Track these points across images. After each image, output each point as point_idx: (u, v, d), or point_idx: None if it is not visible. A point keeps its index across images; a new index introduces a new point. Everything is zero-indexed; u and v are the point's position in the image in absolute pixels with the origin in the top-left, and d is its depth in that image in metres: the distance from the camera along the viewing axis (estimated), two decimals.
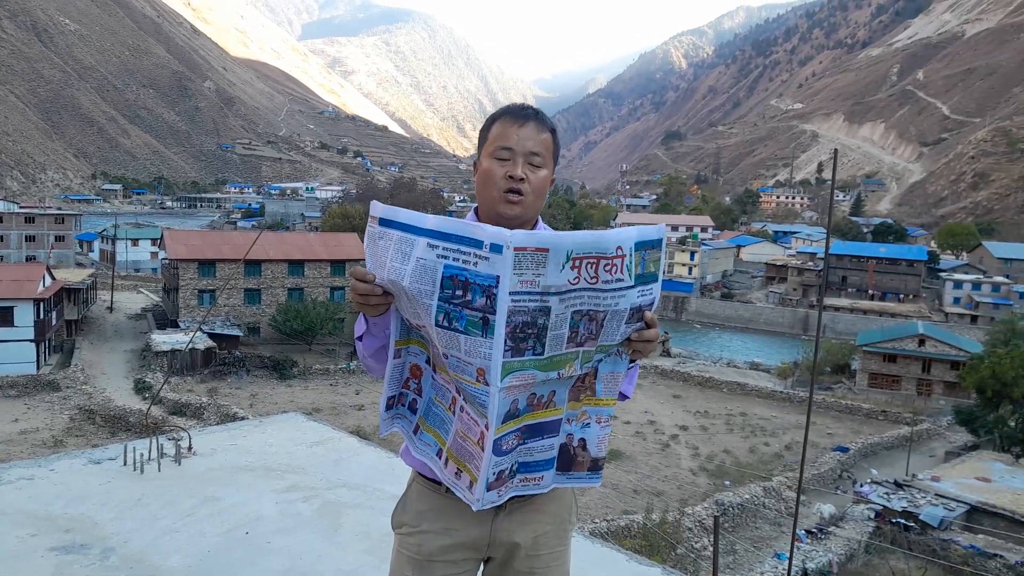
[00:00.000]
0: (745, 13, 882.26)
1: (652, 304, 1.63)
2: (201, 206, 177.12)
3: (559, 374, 1.55)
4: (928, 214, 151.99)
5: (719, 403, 42.24)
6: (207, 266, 45.87)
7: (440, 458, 1.68)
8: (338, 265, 49.97)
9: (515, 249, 1.37)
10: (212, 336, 40.94)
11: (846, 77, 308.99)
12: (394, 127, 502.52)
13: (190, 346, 37.69)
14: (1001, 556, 20.54)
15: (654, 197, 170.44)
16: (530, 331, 1.44)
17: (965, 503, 23.88)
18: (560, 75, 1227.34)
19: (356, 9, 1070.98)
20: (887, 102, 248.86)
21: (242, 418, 25.85)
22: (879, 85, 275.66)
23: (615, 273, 1.50)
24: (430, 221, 1.48)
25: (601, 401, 1.70)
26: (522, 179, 1.78)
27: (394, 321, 1.64)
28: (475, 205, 1.91)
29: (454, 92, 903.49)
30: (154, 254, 73.40)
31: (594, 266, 1.47)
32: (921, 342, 48.96)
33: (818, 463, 30.20)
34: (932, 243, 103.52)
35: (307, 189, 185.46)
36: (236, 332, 43.45)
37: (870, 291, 78.55)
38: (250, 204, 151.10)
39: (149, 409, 23.34)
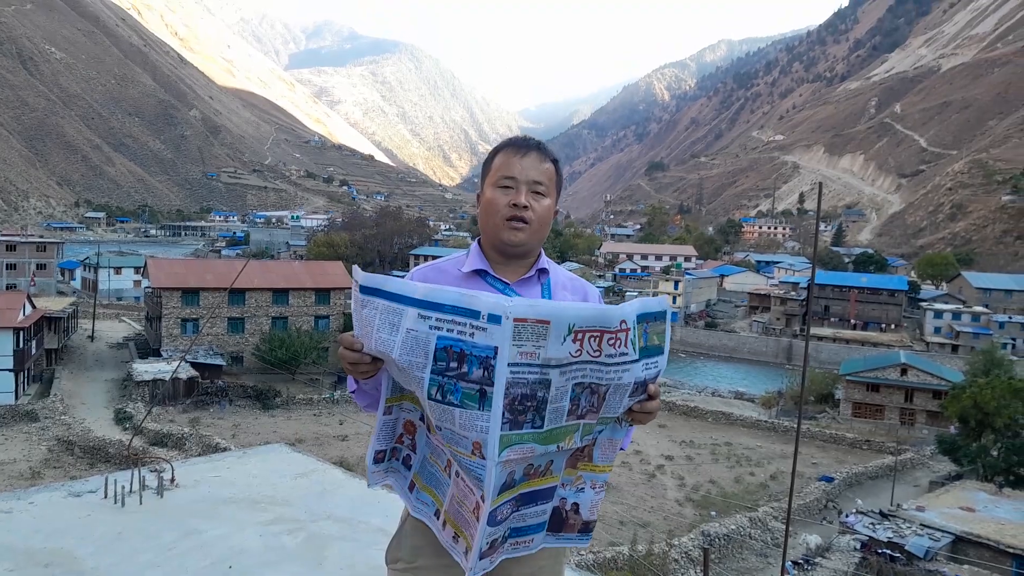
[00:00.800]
0: (726, 46, 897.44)
1: (656, 376, 1.60)
2: (185, 234, 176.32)
3: (559, 447, 1.50)
4: (908, 244, 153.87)
5: (704, 433, 42.20)
6: (191, 295, 45.56)
7: (438, 519, 1.64)
8: (323, 294, 49.79)
9: (515, 320, 1.32)
10: (195, 365, 40.53)
11: (826, 109, 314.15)
12: (380, 156, 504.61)
13: (173, 376, 37.27)
14: None
15: (638, 227, 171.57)
16: (529, 403, 1.39)
17: (950, 533, 23.89)
18: (545, 106, 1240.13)
19: (343, 40, 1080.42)
20: (866, 134, 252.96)
21: (223, 448, 25.55)
22: (858, 117, 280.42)
23: (619, 347, 1.46)
24: (420, 290, 1.42)
25: (597, 468, 1.67)
26: (526, 207, 1.78)
27: (385, 380, 1.60)
28: (478, 237, 1.92)
29: (440, 122, 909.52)
30: (137, 282, 72.85)
31: (597, 340, 1.42)
32: (903, 371, 49.30)
33: (803, 493, 30.17)
34: (912, 273, 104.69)
35: (292, 218, 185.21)
36: (219, 361, 43.06)
37: (852, 320, 79.18)
38: (235, 232, 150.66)
39: (132, 440, 23.00)
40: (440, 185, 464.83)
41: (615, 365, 1.46)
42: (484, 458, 1.39)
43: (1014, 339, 72.27)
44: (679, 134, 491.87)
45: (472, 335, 1.35)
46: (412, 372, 1.41)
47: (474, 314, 1.35)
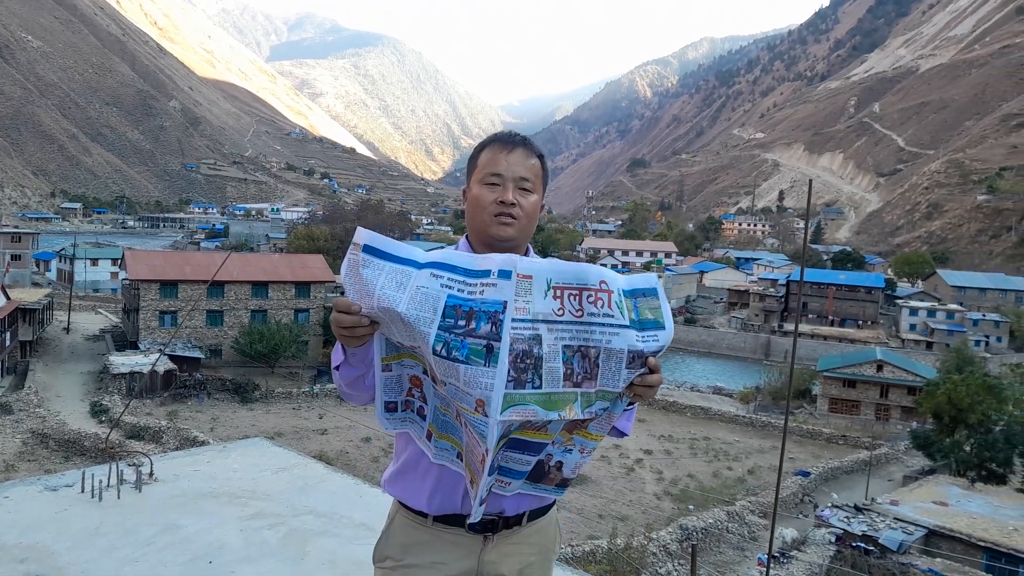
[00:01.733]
0: (709, 44, 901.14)
1: (659, 351, 1.60)
2: (164, 226, 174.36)
3: (560, 415, 1.52)
4: (885, 242, 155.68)
5: (683, 427, 42.50)
6: (169, 287, 45.14)
7: (462, 461, 1.66)
8: (303, 287, 49.50)
9: (519, 276, 1.40)
10: (173, 358, 40.18)
11: (806, 108, 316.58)
12: (362, 149, 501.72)
13: (152, 368, 36.92)
14: None
15: (619, 223, 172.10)
16: (528, 361, 1.43)
17: (923, 527, 24.25)
18: (528, 101, 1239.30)
19: (325, 32, 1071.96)
20: (845, 133, 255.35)
21: (203, 442, 25.37)
22: (837, 117, 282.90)
23: (601, 307, 1.49)
24: (433, 255, 1.47)
25: (591, 435, 1.68)
26: (513, 203, 1.79)
27: (377, 343, 1.59)
28: (466, 233, 1.91)
29: (423, 116, 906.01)
30: (114, 274, 72.00)
31: (576, 298, 1.47)
32: (879, 368, 49.92)
33: (781, 487, 30.47)
34: (889, 271, 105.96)
35: (272, 210, 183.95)
36: (197, 354, 42.71)
37: (830, 317, 80.00)
38: (214, 225, 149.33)
39: (109, 434, 22.76)
40: (422, 179, 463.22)
41: (600, 326, 1.49)
42: (487, 416, 1.43)
43: (987, 336, 73.38)
44: (661, 131, 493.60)
45: (482, 292, 1.40)
46: (418, 327, 1.43)
47: (485, 273, 1.41)
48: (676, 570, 20.81)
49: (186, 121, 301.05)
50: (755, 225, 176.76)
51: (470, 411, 1.47)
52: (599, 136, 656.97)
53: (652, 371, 1.62)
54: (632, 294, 1.56)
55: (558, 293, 1.45)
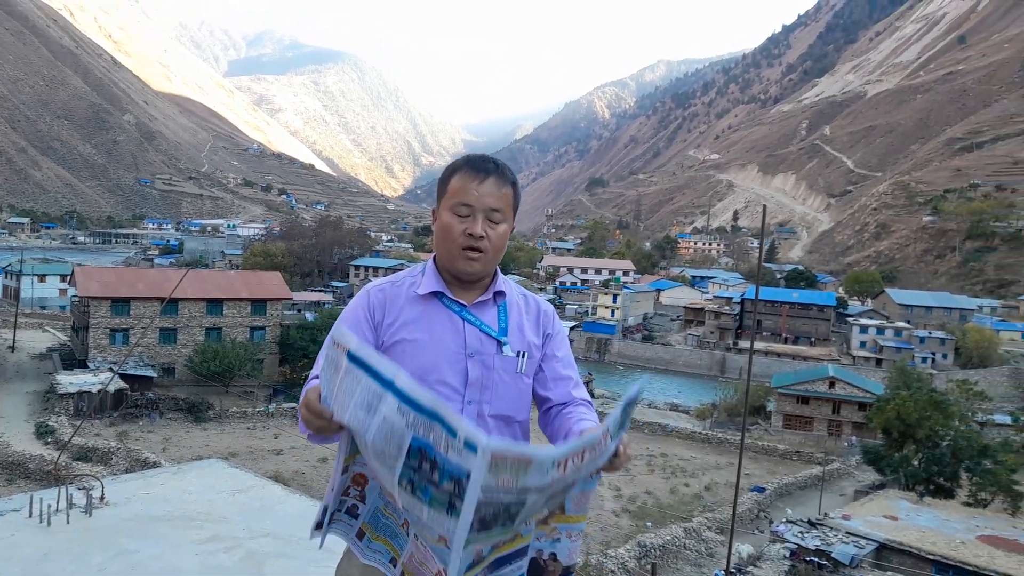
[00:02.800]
0: (665, 67, 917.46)
1: (623, 433, 1.51)
2: (116, 242, 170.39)
3: (525, 523, 1.44)
4: (836, 261, 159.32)
5: (641, 444, 42.77)
6: (121, 304, 44.10)
7: (395, 567, 1.57)
8: (259, 304, 48.79)
9: (493, 455, 1.22)
10: (124, 377, 39.19)
11: (760, 130, 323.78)
12: (321, 165, 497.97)
13: (100, 387, 35.94)
14: None
15: (578, 241, 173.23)
16: (501, 517, 1.31)
17: (874, 541, 24.75)
18: (488, 121, 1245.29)
19: (284, 48, 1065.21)
20: (797, 155, 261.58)
21: (154, 463, 24.76)
22: (790, 139, 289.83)
23: (600, 449, 1.41)
24: (402, 380, 1.32)
25: (571, 519, 1.62)
26: (481, 236, 1.77)
27: (343, 439, 1.54)
28: (433, 255, 1.91)
29: (383, 133, 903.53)
30: (63, 291, 70.11)
31: (580, 456, 1.35)
32: (831, 384, 50.95)
33: (737, 504, 30.85)
34: (840, 289, 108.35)
35: (229, 226, 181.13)
36: (150, 373, 41.75)
37: (783, 335, 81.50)
38: (168, 241, 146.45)
39: (59, 456, 22.08)
40: (382, 196, 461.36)
41: (593, 462, 1.42)
42: (449, 549, 1.32)
43: (933, 353, 75.44)
44: (619, 151, 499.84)
45: (447, 451, 1.25)
46: (384, 459, 1.35)
47: (451, 432, 1.25)
48: None
49: (141, 135, 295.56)
50: (710, 244, 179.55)
51: (432, 540, 1.38)
52: (558, 155, 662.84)
53: (619, 456, 1.54)
54: (626, 407, 1.46)
55: (562, 464, 1.30)
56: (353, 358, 1.38)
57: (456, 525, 1.27)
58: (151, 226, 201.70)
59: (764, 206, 10.53)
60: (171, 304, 45.18)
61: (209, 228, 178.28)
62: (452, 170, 1.87)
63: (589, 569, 19.96)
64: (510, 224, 1.88)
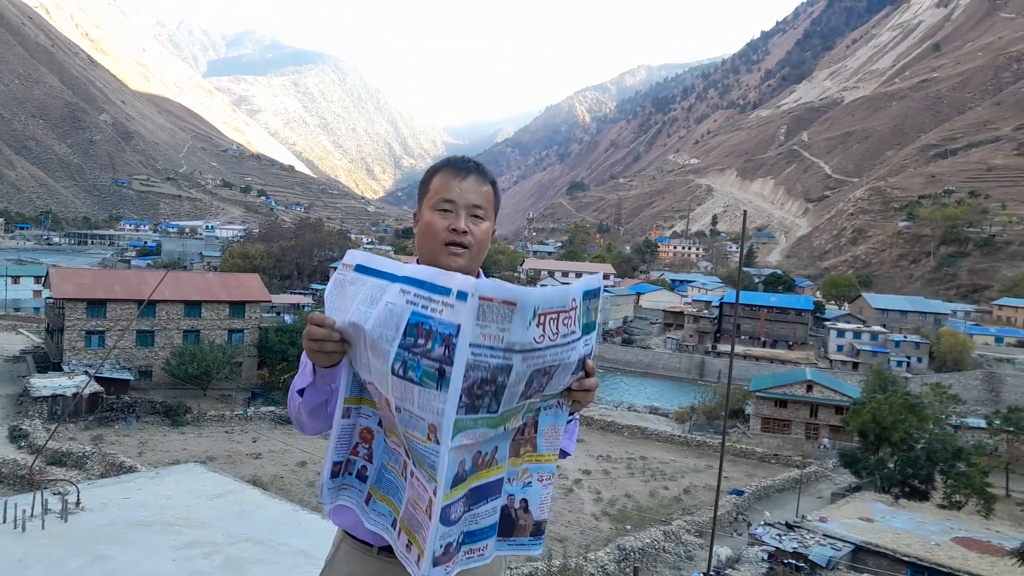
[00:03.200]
0: (646, 72, 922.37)
1: (591, 353, 1.59)
2: (92, 243, 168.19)
3: (504, 428, 1.50)
4: (813, 266, 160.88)
5: (621, 447, 42.93)
6: (97, 306, 43.56)
7: (395, 529, 1.60)
8: (238, 307, 48.40)
9: (480, 299, 1.31)
10: (100, 380, 38.72)
11: (739, 135, 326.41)
12: (301, 167, 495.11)
13: (76, 390, 35.46)
14: None
15: (559, 244, 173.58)
16: (488, 388, 1.38)
17: (851, 543, 25.02)
18: (470, 124, 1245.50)
19: (264, 49, 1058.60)
20: (776, 160, 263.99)
21: (131, 468, 24.48)
22: (768, 144, 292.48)
23: (570, 326, 1.46)
24: (405, 268, 1.46)
25: (542, 457, 1.65)
26: (465, 232, 1.78)
27: (345, 377, 1.58)
28: (416, 258, 1.91)
29: (363, 135, 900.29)
30: (37, 292, 69.11)
31: (555, 321, 1.42)
32: (809, 388, 51.44)
33: (718, 507, 31.02)
34: (817, 293, 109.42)
35: (207, 228, 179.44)
36: (126, 376, 41.27)
37: (762, 338, 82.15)
38: (146, 242, 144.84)
39: (35, 461, 21.77)
40: (362, 198, 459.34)
41: (566, 345, 1.46)
42: (439, 443, 1.38)
43: (909, 357, 76.38)
44: (599, 155, 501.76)
45: (441, 312, 1.35)
46: (380, 344, 1.42)
47: (446, 291, 1.36)
48: None
49: (117, 135, 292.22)
50: (689, 248, 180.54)
51: (422, 440, 1.42)
52: (540, 159, 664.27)
53: (588, 373, 1.60)
54: (586, 296, 1.52)
55: (542, 320, 1.39)
56: (361, 268, 1.51)
57: (446, 398, 1.34)
58: (128, 227, 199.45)
59: (744, 212, 10.61)
60: (148, 306, 44.71)
61: (187, 229, 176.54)
62: (433, 171, 1.89)
63: (569, 573, 19.99)
64: (492, 223, 1.89)
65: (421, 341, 1.36)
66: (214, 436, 36.83)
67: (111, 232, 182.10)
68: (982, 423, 46.13)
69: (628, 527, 27.61)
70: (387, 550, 1.72)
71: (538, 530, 1.69)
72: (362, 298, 1.47)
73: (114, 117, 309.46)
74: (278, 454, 33.60)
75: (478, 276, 1.88)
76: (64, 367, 41.26)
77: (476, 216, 1.82)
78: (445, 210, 1.80)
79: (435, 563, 1.46)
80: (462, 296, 1.33)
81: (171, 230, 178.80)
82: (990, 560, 23.91)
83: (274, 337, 47.47)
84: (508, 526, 1.64)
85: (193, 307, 46.72)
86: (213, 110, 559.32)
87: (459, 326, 1.32)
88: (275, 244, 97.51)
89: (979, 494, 31.94)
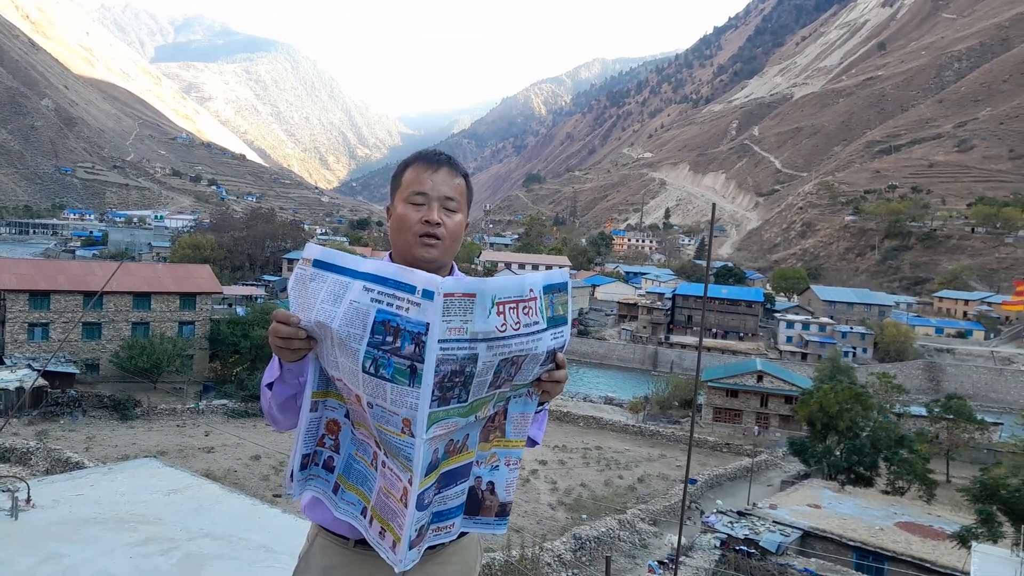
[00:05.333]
0: (601, 65, 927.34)
1: (563, 346, 1.63)
2: (35, 232, 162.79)
3: (476, 417, 1.55)
4: (764, 258, 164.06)
5: (576, 437, 43.29)
6: (40, 297, 42.25)
7: (365, 517, 1.63)
8: (188, 298, 47.42)
9: (444, 295, 1.35)
10: (44, 374, 37.57)
11: (691, 130, 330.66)
12: (252, 156, 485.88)
13: (19, 384, 34.34)
14: None
15: (516, 236, 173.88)
16: (457, 379, 1.42)
17: (799, 529, 25.68)
18: (425, 114, 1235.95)
19: (215, 35, 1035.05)
20: (727, 154, 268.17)
21: (77, 463, 23.86)
22: (720, 138, 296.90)
23: (532, 316, 1.50)
24: (367, 265, 1.46)
25: (510, 443, 1.70)
26: (438, 223, 1.78)
27: (312, 371, 1.60)
28: (389, 251, 1.92)
29: (317, 124, 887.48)
30: None
31: (515, 311, 1.46)
32: (759, 378, 52.52)
33: (669, 495, 31.56)
34: (767, 286, 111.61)
35: (156, 217, 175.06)
36: (72, 369, 40.12)
37: (714, 330, 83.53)
38: (91, 232, 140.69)
39: None
40: (316, 188, 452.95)
41: (530, 335, 1.50)
42: (413, 436, 1.42)
43: (854, 348, 78.53)
44: (555, 148, 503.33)
45: (407, 310, 1.37)
46: (349, 344, 1.43)
47: (411, 289, 1.38)
48: None
49: (60, 121, 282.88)
50: (643, 241, 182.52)
51: (396, 434, 1.45)
52: (496, 151, 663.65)
53: (559, 366, 1.65)
54: (548, 290, 1.56)
55: (501, 309, 1.43)
56: (319, 263, 1.51)
57: (419, 394, 1.38)
58: (73, 216, 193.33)
59: (713, 204, 10.80)
60: (94, 297, 43.55)
61: (135, 219, 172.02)
62: (405, 164, 1.89)
63: (526, 562, 20.13)
64: (465, 215, 1.89)
65: (390, 339, 1.39)
66: (165, 430, 36.08)
67: (54, 221, 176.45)
68: (923, 411, 47.67)
69: (584, 516, 27.89)
70: (363, 543, 1.74)
71: (503, 511, 1.74)
72: (324, 296, 1.47)
73: (56, 103, 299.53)
74: (231, 448, 33.07)
75: (451, 268, 1.89)
76: (6, 360, 39.96)
77: (449, 208, 1.82)
78: (418, 203, 1.80)
79: (410, 546, 1.52)
80: (428, 295, 1.36)
81: (118, 220, 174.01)
82: (931, 544, 24.79)
83: (226, 329, 46.63)
84: (474, 506, 1.69)
85: (142, 299, 45.64)
86: (161, 97, 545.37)
87: (428, 324, 1.35)
88: (226, 235, 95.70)
89: (921, 480, 33.05)
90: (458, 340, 1.38)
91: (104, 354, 43.87)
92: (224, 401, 41.70)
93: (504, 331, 1.44)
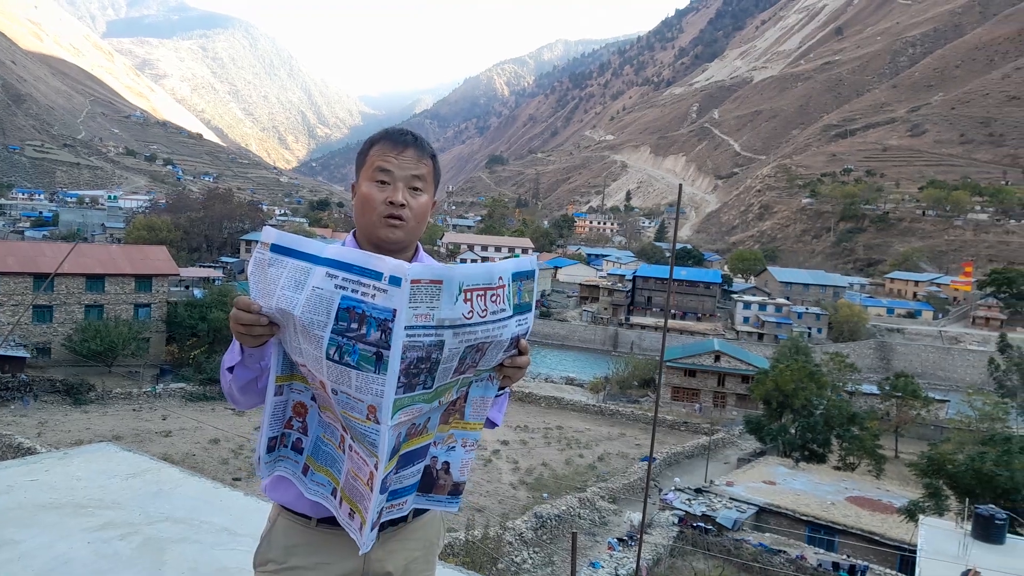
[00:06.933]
0: (563, 46, 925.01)
1: (526, 332, 1.64)
2: None
3: (439, 402, 1.55)
4: (722, 240, 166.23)
5: (538, 417, 43.65)
6: None
7: (335, 498, 1.64)
8: (144, 280, 46.50)
9: (412, 282, 1.34)
10: None
11: (653, 112, 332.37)
12: (209, 135, 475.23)
13: None
14: (784, 552, 22.84)
15: (479, 218, 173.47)
16: (423, 366, 1.41)
17: (754, 505, 26.33)
18: (387, 93, 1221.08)
19: (170, 11, 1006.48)
20: (688, 137, 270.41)
21: (28, 449, 23.37)
22: (681, 121, 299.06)
23: (499, 303, 1.50)
24: (330, 250, 1.43)
25: (468, 425, 1.70)
26: (403, 204, 1.75)
27: (275, 356, 1.58)
28: (353, 230, 1.89)
29: (276, 103, 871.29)
30: None
31: (483, 298, 1.46)
32: (717, 358, 53.41)
33: (628, 473, 32.06)
34: (725, 267, 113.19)
35: (109, 198, 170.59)
36: (22, 353, 39.11)
37: (672, 311, 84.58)
38: (41, 212, 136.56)
39: None
40: (275, 168, 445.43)
41: (496, 322, 1.50)
42: (379, 422, 1.42)
43: (810, 328, 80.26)
44: (518, 129, 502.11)
45: (373, 296, 1.36)
46: (312, 330, 1.41)
47: (377, 275, 1.36)
48: (531, 558, 21.45)
49: (8, 98, 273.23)
50: (604, 223, 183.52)
51: (361, 420, 1.45)
52: (459, 131, 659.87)
53: (521, 352, 1.65)
54: (516, 277, 1.57)
55: (468, 296, 1.43)
56: (277, 248, 1.48)
57: (384, 381, 1.37)
58: (21, 196, 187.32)
59: (680, 185, 10.94)
60: (46, 280, 42.43)
61: (88, 199, 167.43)
62: (371, 142, 1.85)
63: (488, 542, 20.34)
64: (431, 196, 1.87)
65: (355, 326, 1.37)
66: (120, 414, 35.47)
67: (2, 201, 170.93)
68: (874, 389, 49.01)
69: (545, 495, 28.21)
70: (325, 522, 1.76)
71: (456, 490, 1.75)
72: (285, 282, 1.45)
73: (3, 78, 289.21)
74: (189, 431, 32.68)
75: (416, 249, 1.89)
76: None
77: (415, 188, 1.79)
78: (383, 182, 1.76)
79: (372, 527, 1.54)
80: (395, 281, 1.34)
81: (69, 200, 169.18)
82: (880, 517, 25.63)
83: (183, 312, 45.88)
84: (428, 484, 1.71)
85: (95, 280, 44.61)
86: (114, 73, 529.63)
87: (395, 311, 1.34)
88: (183, 215, 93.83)
89: (871, 456, 34.07)
90: (424, 327, 1.37)
91: (56, 337, 42.88)
92: (182, 384, 41.12)
93: (471, 318, 1.44)
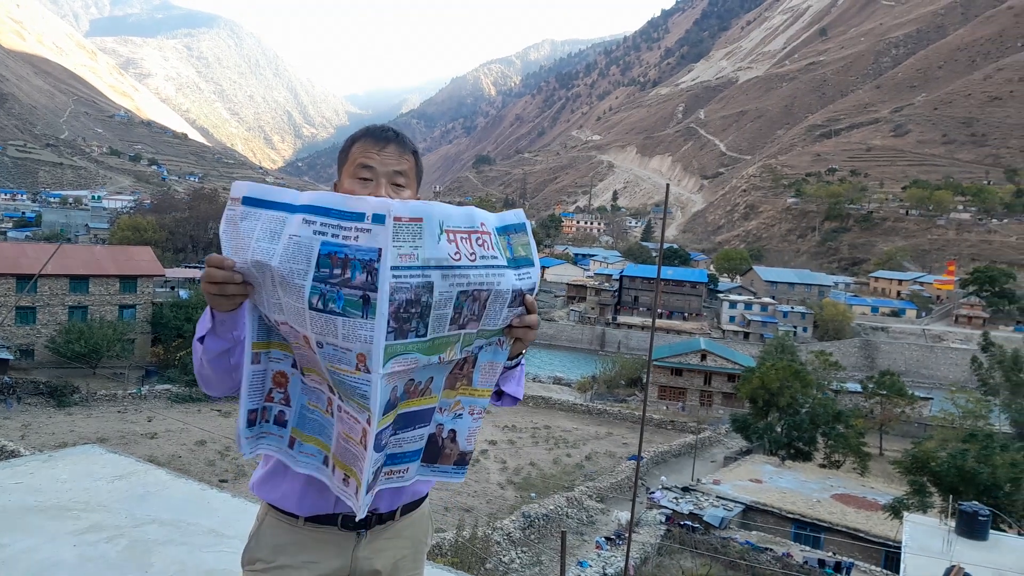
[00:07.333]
0: (550, 46, 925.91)
1: (533, 289, 1.61)
2: None
3: (440, 358, 1.48)
4: (708, 240, 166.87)
5: (525, 417, 43.68)
6: None
7: (327, 466, 1.58)
8: (129, 281, 46.18)
9: (394, 219, 1.30)
10: None
11: (639, 112, 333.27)
12: (195, 135, 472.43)
13: None
14: (771, 549, 22.99)
15: None
16: (413, 310, 1.35)
17: (741, 503, 26.48)
18: (373, 93, 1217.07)
19: (154, 9, 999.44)
20: (674, 137, 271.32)
21: (12, 451, 23.16)
22: (667, 121, 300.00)
23: (488, 249, 1.47)
24: (305, 196, 1.39)
25: (476, 391, 1.67)
26: None
27: (250, 322, 1.52)
28: None
29: (261, 102, 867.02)
30: None
31: (468, 240, 1.43)
32: (703, 357, 53.65)
33: (615, 472, 32.14)
34: (711, 267, 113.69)
35: (93, 198, 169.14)
36: (5, 355, 38.79)
37: (659, 310, 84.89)
38: (24, 213, 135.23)
39: None
40: (261, 168, 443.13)
41: (489, 268, 1.46)
42: (369, 371, 1.35)
43: (795, 327, 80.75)
44: (505, 129, 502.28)
45: (356, 238, 1.31)
46: (292, 280, 1.35)
47: (359, 216, 1.32)
48: (519, 558, 21.47)
49: None
50: (591, 223, 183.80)
51: (350, 371, 1.38)
52: (446, 131, 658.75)
53: (529, 311, 1.64)
54: (504, 231, 1.54)
55: (452, 237, 1.39)
56: (249, 200, 1.42)
57: (373, 325, 1.31)
58: (3, 196, 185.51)
59: (668, 184, 10.97)
60: (29, 281, 42.05)
61: (71, 200, 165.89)
62: (352, 139, 1.85)
63: (476, 542, 20.34)
64: (414, 192, 1.86)
65: (338, 271, 1.32)
66: (105, 416, 35.20)
67: None
68: (859, 388, 49.37)
69: (533, 495, 28.24)
70: (313, 520, 1.75)
71: (463, 460, 1.72)
72: (260, 234, 1.39)
73: None
74: (175, 433, 32.47)
75: None
76: None
77: (397, 184, 1.78)
78: (365, 178, 1.76)
79: (368, 490, 1.48)
80: (378, 219, 1.30)
81: (52, 200, 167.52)
82: (865, 514, 25.85)
83: (168, 313, 45.59)
84: (434, 453, 1.66)
85: (79, 282, 44.27)
86: (97, 73, 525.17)
87: (380, 250, 1.30)
88: (168, 216, 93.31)
89: (855, 453, 34.33)
90: (410, 267, 1.32)
91: (39, 339, 42.53)
92: (167, 386, 40.85)
93: (459, 259, 1.40)
